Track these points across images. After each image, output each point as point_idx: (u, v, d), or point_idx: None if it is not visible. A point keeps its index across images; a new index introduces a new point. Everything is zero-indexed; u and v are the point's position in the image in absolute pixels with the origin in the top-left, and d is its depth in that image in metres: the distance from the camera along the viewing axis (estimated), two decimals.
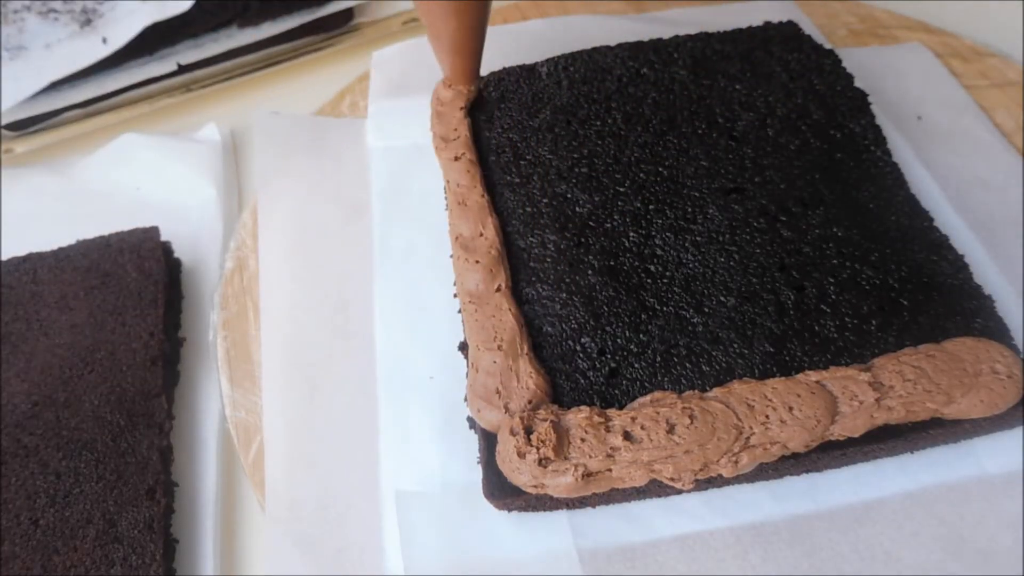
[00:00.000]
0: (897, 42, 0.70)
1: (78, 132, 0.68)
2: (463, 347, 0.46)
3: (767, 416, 0.40)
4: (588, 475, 0.39)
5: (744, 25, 0.59)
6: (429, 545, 0.43)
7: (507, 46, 0.63)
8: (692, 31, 0.59)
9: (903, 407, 0.40)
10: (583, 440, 0.39)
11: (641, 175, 0.51)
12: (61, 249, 0.55)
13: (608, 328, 0.44)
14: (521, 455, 0.39)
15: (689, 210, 0.49)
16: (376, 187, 0.60)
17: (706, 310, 0.44)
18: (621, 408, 0.41)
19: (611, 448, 0.39)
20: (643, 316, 0.44)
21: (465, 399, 0.43)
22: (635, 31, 0.59)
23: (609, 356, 0.43)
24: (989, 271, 0.50)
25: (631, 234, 0.48)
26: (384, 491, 0.46)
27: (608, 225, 0.48)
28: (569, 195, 0.50)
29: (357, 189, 0.61)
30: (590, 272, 0.46)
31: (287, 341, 0.53)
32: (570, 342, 0.44)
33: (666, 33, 0.59)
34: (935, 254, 0.46)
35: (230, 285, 0.57)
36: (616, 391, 0.42)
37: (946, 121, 0.62)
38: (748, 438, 0.39)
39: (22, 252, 0.55)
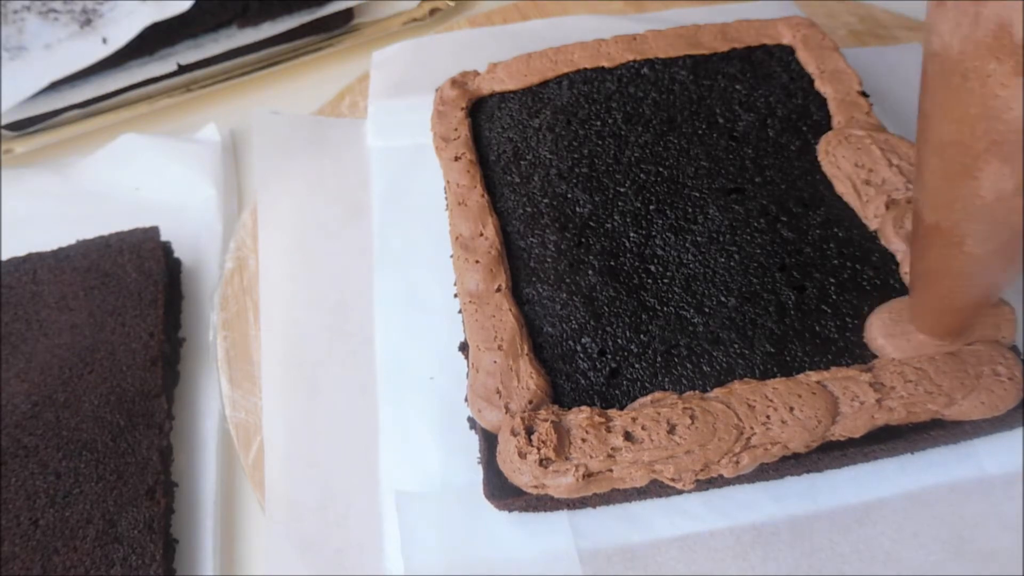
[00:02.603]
0: (897, 42, 0.70)
1: (78, 132, 0.67)
2: (463, 347, 0.46)
3: (768, 416, 0.40)
4: (589, 475, 0.39)
5: None
6: (429, 545, 0.43)
7: (507, 46, 0.63)
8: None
9: (904, 408, 0.40)
10: (584, 440, 0.39)
11: (641, 175, 0.51)
12: (61, 249, 0.55)
13: (609, 328, 0.44)
14: (522, 455, 0.39)
15: (689, 210, 0.49)
16: (376, 187, 0.60)
17: (707, 310, 0.44)
18: (622, 408, 0.41)
19: (612, 448, 0.39)
20: (643, 316, 0.44)
21: (466, 399, 0.43)
22: (635, 31, 0.59)
23: (610, 356, 0.43)
24: None
25: (631, 234, 0.48)
26: (384, 491, 0.46)
27: (608, 225, 0.48)
28: (569, 195, 0.50)
29: (357, 189, 0.61)
30: (590, 272, 0.46)
31: (287, 341, 0.53)
32: (570, 342, 0.44)
33: None
34: None
35: (230, 285, 0.57)
36: (617, 391, 0.42)
37: None
38: (749, 438, 0.39)
39: (22, 252, 0.55)
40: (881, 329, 0.42)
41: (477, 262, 0.46)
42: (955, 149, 0.30)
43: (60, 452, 0.45)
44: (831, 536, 0.42)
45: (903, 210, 0.47)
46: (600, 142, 0.53)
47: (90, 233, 0.56)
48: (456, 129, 0.55)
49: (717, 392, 0.41)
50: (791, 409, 0.40)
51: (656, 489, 0.42)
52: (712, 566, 0.42)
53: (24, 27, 0.66)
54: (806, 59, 0.56)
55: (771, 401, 0.40)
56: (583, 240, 0.48)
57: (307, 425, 0.49)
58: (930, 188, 0.33)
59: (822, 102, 0.54)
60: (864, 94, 0.54)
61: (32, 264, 0.54)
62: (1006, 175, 0.29)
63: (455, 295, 0.48)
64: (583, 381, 0.42)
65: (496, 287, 0.46)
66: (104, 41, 0.65)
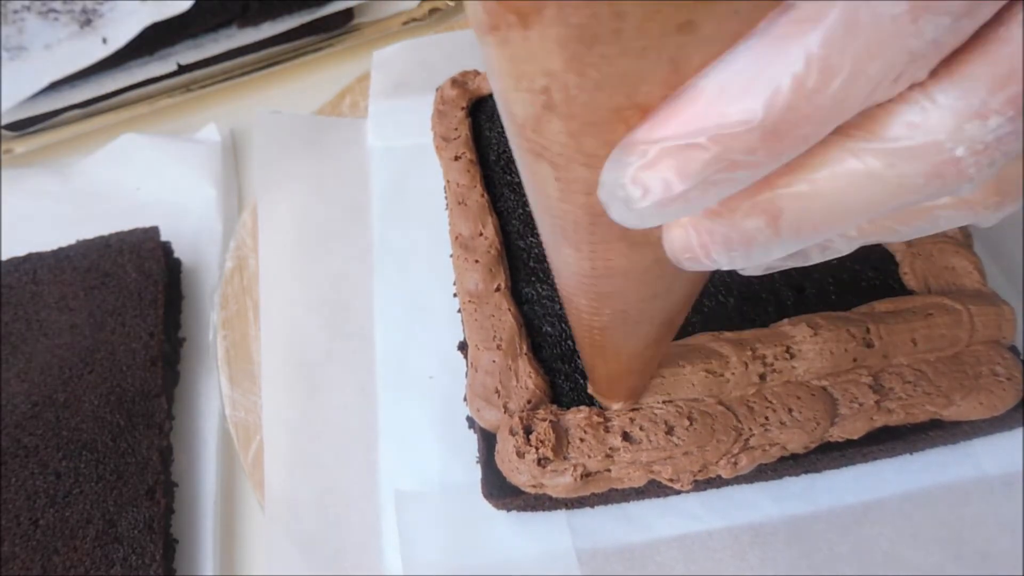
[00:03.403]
0: None
1: (78, 132, 0.67)
2: (462, 347, 0.46)
3: (766, 418, 0.40)
4: (587, 475, 0.39)
5: None
6: (428, 545, 0.43)
7: None
8: None
9: (903, 409, 0.40)
10: (582, 440, 0.39)
11: None
12: (61, 249, 0.55)
13: None
14: (520, 455, 0.39)
15: None
16: (376, 187, 0.60)
17: (706, 310, 0.44)
18: None
19: (610, 448, 0.39)
20: None
21: (464, 399, 0.43)
22: None
23: None
24: (989, 271, 0.50)
25: None
26: (383, 491, 0.46)
27: None
28: None
29: (357, 189, 0.61)
30: None
31: (287, 341, 0.53)
32: (569, 342, 0.44)
33: None
34: None
35: (230, 285, 0.57)
36: None
37: None
38: (747, 440, 0.39)
39: (22, 252, 0.55)
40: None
41: (477, 261, 0.46)
42: (538, 212, 0.26)
43: (60, 452, 0.45)
44: (829, 536, 0.42)
45: None
46: None
47: (90, 233, 0.56)
48: (456, 129, 0.55)
49: None
50: (790, 411, 0.40)
51: (654, 489, 0.42)
52: (711, 566, 0.42)
53: (24, 27, 0.66)
54: None
55: (770, 402, 0.40)
56: None
57: (307, 425, 0.49)
58: (545, 249, 0.29)
59: None
60: None
61: (32, 264, 0.54)
62: (574, 254, 0.25)
63: (455, 295, 0.48)
64: (582, 381, 0.42)
65: (495, 287, 0.46)
66: (104, 41, 0.65)
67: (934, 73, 0.16)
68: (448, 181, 0.52)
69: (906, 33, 0.15)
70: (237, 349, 0.54)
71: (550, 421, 0.40)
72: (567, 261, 0.26)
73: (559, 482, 0.39)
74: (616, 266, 0.25)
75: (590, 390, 0.41)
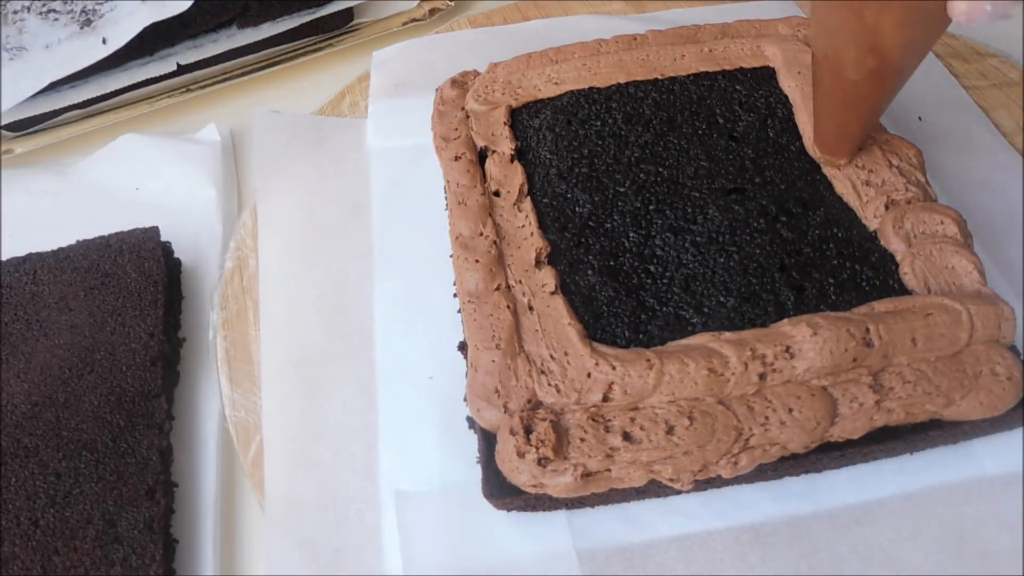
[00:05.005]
0: None
1: (78, 132, 0.68)
2: (462, 347, 0.46)
3: (767, 417, 0.40)
4: (587, 475, 0.39)
5: None
6: (428, 545, 0.43)
7: (507, 46, 0.63)
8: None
9: (903, 409, 0.40)
10: (582, 440, 0.39)
11: (641, 175, 0.51)
12: (61, 249, 0.55)
13: (608, 328, 0.44)
14: (520, 455, 0.39)
15: (689, 210, 0.49)
16: (376, 187, 0.61)
17: (705, 311, 0.44)
18: None
19: (610, 448, 0.39)
20: (643, 316, 0.44)
21: (465, 399, 0.43)
22: (635, 31, 0.59)
23: None
24: (989, 272, 0.50)
25: (631, 234, 0.48)
26: (384, 491, 0.46)
27: (608, 225, 0.48)
28: (569, 195, 0.50)
29: (357, 189, 0.61)
30: (590, 272, 0.46)
31: (287, 341, 0.53)
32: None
33: None
34: None
35: (230, 285, 0.57)
36: None
37: (946, 122, 0.62)
38: (747, 439, 0.39)
39: (22, 252, 0.55)
40: None
41: (477, 261, 0.46)
42: None
43: (60, 452, 0.45)
44: (830, 536, 0.42)
45: (903, 210, 0.47)
46: (600, 142, 0.53)
47: (90, 233, 0.56)
48: (456, 129, 0.55)
49: None
50: (790, 410, 0.40)
51: (655, 489, 0.42)
52: (711, 566, 0.42)
53: (24, 27, 0.66)
54: None
55: (770, 402, 0.40)
56: (582, 240, 0.48)
57: (307, 425, 0.49)
58: (822, 22, 0.44)
59: None
60: None
61: (32, 264, 0.54)
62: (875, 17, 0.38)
63: (455, 295, 0.48)
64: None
65: (495, 286, 0.46)
66: (104, 41, 0.65)
67: None
68: (448, 181, 0.52)
69: None
70: (237, 349, 0.54)
71: (550, 421, 0.40)
72: (865, 13, 0.39)
73: (559, 482, 0.39)
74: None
75: (811, 147, 0.51)
